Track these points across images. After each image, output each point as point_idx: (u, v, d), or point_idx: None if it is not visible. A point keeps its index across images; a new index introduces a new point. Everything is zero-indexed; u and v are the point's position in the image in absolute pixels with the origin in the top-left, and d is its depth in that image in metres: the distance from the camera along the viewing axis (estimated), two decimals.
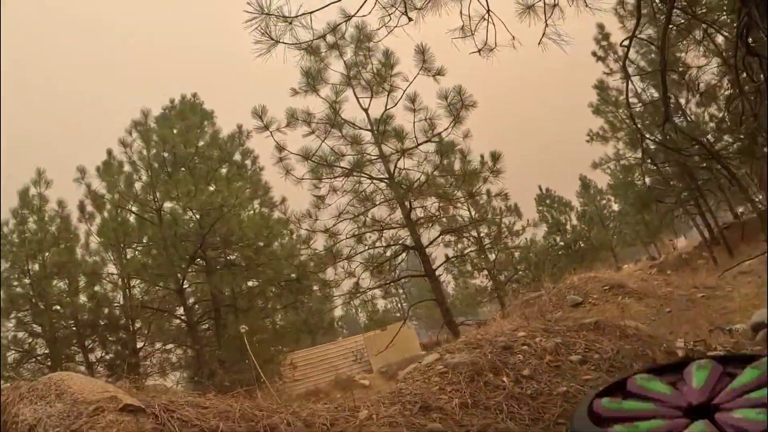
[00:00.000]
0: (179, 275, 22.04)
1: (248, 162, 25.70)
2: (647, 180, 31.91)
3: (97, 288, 22.98)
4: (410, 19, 6.94)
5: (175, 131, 23.64)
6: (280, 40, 6.74)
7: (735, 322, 9.99)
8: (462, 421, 5.05)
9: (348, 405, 5.28)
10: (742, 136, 24.21)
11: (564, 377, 5.83)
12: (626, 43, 8.06)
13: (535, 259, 34.22)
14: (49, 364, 21.99)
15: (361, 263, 18.22)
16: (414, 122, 17.42)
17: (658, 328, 10.07)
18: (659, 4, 7.96)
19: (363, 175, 17.86)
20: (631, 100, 28.26)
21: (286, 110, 17.21)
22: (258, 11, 6.45)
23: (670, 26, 7.85)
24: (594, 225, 41.34)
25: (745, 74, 6.79)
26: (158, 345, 24.32)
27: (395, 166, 17.76)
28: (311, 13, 6.69)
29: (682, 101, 28.82)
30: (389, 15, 6.98)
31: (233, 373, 18.34)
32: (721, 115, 28.27)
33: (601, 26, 29.85)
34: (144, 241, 22.73)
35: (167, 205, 22.39)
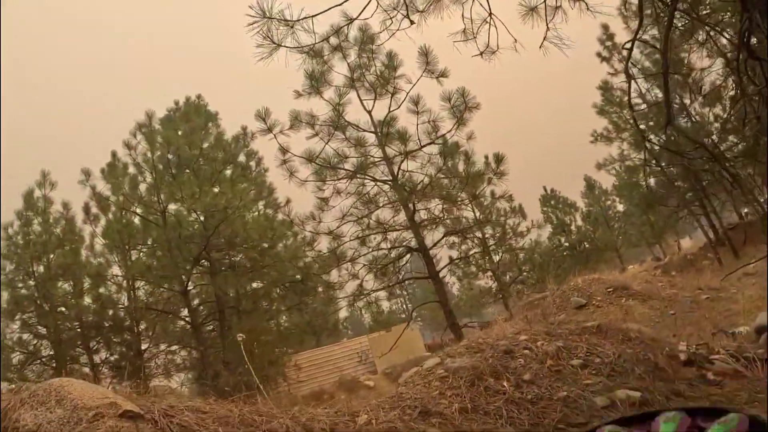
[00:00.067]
0: (184, 277, 22.06)
1: (253, 163, 25.73)
2: (652, 181, 31.83)
3: (101, 290, 23.02)
4: (412, 22, 6.94)
5: (179, 133, 23.66)
6: (282, 44, 6.73)
7: (739, 324, 9.98)
8: (461, 426, 5.05)
9: (348, 410, 5.28)
10: (747, 136, 24.13)
11: (564, 382, 5.82)
12: (628, 46, 8.05)
13: (539, 259, 34.15)
14: (54, 365, 22.04)
15: (365, 265, 18.23)
16: (417, 124, 17.44)
17: (662, 330, 10.07)
18: (661, 7, 7.95)
19: (367, 177, 17.88)
20: (635, 100, 28.26)
21: (289, 112, 17.25)
22: (260, 15, 6.43)
23: (673, 28, 7.84)
24: (599, 226, 41.28)
25: (747, 78, 6.77)
26: (163, 346, 24.35)
27: (399, 168, 17.77)
28: (313, 17, 6.67)
29: (687, 101, 28.75)
30: (391, 18, 6.97)
31: (237, 374, 18.33)
32: (725, 115, 28.21)
33: (605, 27, 29.75)
34: (148, 242, 22.78)
35: (172, 206, 22.42)
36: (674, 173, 30.21)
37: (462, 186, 18.19)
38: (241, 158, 25.41)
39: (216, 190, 22.15)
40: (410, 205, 17.54)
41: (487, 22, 7.12)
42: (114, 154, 23.13)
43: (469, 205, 21.18)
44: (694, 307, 13.80)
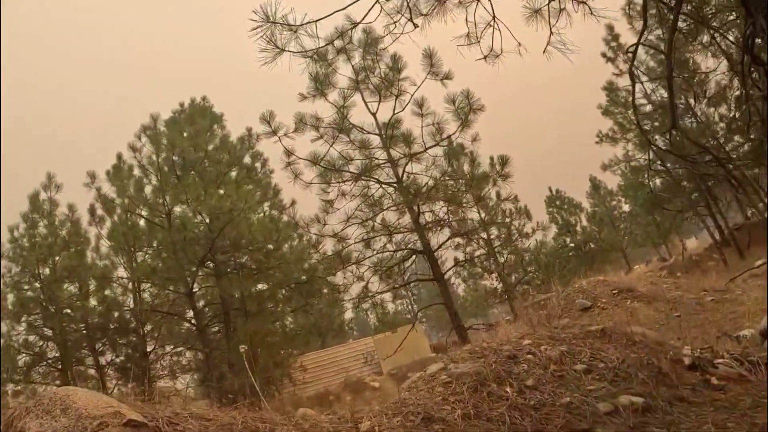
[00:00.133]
0: (189, 279, 22.13)
1: (258, 165, 25.76)
2: (658, 182, 31.82)
3: (107, 292, 23.13)
4: (416, 26, 6.93)
5: (184, 135, 23.72)
6: (286, 49, 6.73)
7: (744, 327, 9.95)
8: None
9: (351, 416, 5.29)
10: (752, 138, 24.12)
11: (568, 387, 5.81)
12: (632, 49, 8.04)
13: (545, 260, 34.16)
14: (60, 367, 22.13)
15: (370, 267, 18.22)
16: (422, 126, 17.43)
17: (666, 333, 10.05)
18: (666, 12, 7.95)
19: (371, 179, 17.86)
20: (640, 101, 28.25)
21: (294, 115, 17.25)
22: (263, 20, 6.43)
23: (677, 31, 7.83)
24: (604, 226, 41.28)
25: (751, 82, 6.76)
26: (168, 348, 24.44)
27: (404, 171, 17.76)
28: (316, 21, 6.68)
29: (692, 101, 28.71)
30: (395, 23, 6.97)
31: (242, 376, 18.37)
32: (731, 115, 28.17)
33: (610, 27, 29.74)
34: (154, 245, 22.83)
35: (177, 209, 22.48)
36: (680, 173, 30.17)
37: (467, 188, 18.17)
38: (247, 160, 25.48)
39: (221, 192, 22.18)
40: (415, 208, 17.53)
41: (490, 25, 7.11)
42: (119, 157, 23.23)
43: (475, 206, 21.12)
44: (699, 309, 13.76)
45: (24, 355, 22.02)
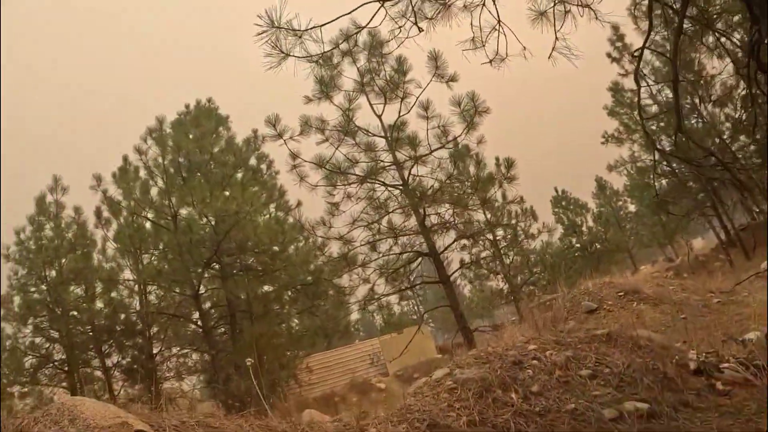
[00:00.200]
0: (195, 281, 22.18)
1: (263, 166, 25.75)
2: (664, 182, 31.76)
3: (113, 294, 23.19)
4: (421, 30, 6.93)
5: (190, 137, 23.74)
6: (291, 54, 6.75)
7: (750, 329, 9.91)
8: None
9: (356, 423, 5.30)
10: (757, 137, 24.06)
11: (573, 393, 5.81)
12: (638, 53, 8.03)
13: (551, 261, 34.10)
14: (66, 369, 22.19)
15: (375, 269, 18.22)
16: (427, 129, 17.42)
17: (672, 336, 10.02)
18: (671, 14, 7.94)
19: (377, 182, 17.86)
20: (646, 101, 28.21)
21: (299, 117, 17.25)
22: (268, 25, 6.44)
23: (682, 34, 7.82)
24: (610, 226, 41.17)
25: (757, 87, 6.76)
26: (174, 350, 24.49)
27: (409, 173, 17.75)
28: (321, 26, 6.69)
29: (697, 100, 28.68)
30: (399, 28, 6.98)
31: (248, 379, 18.40)
32: (737, 115, 28.13)
33: (615, 27, 29.62)
34: (160, 247, 22.88)
35: (183, 211, 22.51)
36: (685, 174, 30.11)
37: (473, 190, 18.17)
38: (252, 161, 25.46)
39: (227, 194, 22.19)
40: (421, 210, 17.52)
41: (495, 29, 7.12)
42: (125, 159, 23.27)
43: (480, 208, 21.10)
44: (705, 311, 13.71)
45: (30, 357, 22.10)
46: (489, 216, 25.65)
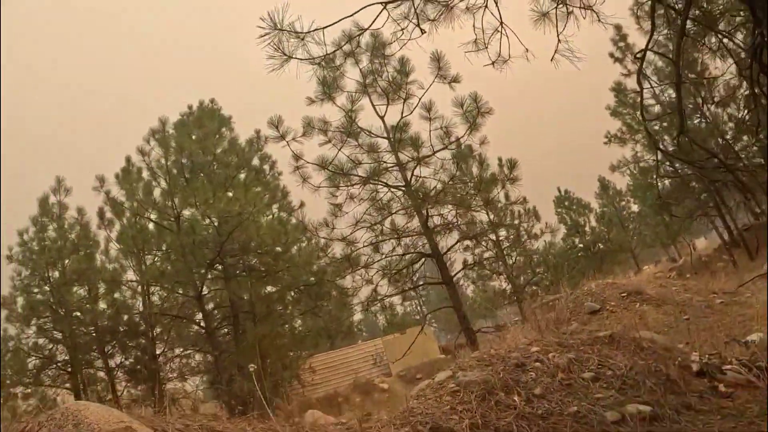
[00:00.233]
0: (198, 282, 22.17)
1: (266, 167, 25.75)
2: (667, 182, 31.70)
3: (116, 295, 23.21)
4: (423, 32, 6.94)
5: (193, 138, 23.75)
6: (293, 56, 6.76)
7: (753, 330, 9.89)
8: None
9: (359, 426, 5.30)
10: (761, 137, 24.03)
11: (575, 396, 5.81)
12: (640, 55, 8.03)
13: (554, 261, 34.05)
14: (70, 370, 22.21)
15: (378, 270, 18.22)
16: (430, 130, 17.42)
17: (675, 337, 10.01)
18: (674, 15, 7.93)
19: (380, 183, 17.86)
20: (649, 101, 28.16)
21: (302, 119, 17.28)
22: (271, 27, 6.46)
23: (685, 35, 7.81)
24: (613, 226, 41.10)
25: (759, 89, 6.76)
26: (177, 351, 24.48)
27: (412, 174, 17.76)
28: (323, 28, 6.70)
29: (700, 100, 28.61)
30: (402, 30, 6.99)
31: (251, 380, 18.41)
32: (740, 115, 28.07)
33: (617, 27, 29.60)
34: (163, 248, 22.87)
35: (186, 212, 22.50)
36: (688, 175, 30.07)
37: (476, 191, 18.16)
38: (255, 162, 25.46)
39: (230, 195, 22.17)
40: (423, 211, 17.52)
41: (498, 31, 7.12)
42: (128, 160, 23.29)
43: (484, 209, 21.09)
44: (708, 312, 13.67)
45: (33, 358, 22.11)
46: (492, 216, 25.63)
